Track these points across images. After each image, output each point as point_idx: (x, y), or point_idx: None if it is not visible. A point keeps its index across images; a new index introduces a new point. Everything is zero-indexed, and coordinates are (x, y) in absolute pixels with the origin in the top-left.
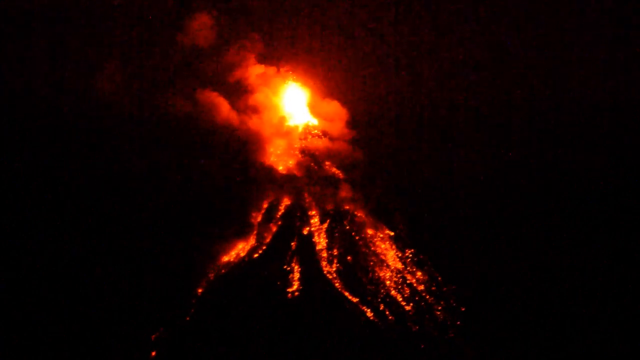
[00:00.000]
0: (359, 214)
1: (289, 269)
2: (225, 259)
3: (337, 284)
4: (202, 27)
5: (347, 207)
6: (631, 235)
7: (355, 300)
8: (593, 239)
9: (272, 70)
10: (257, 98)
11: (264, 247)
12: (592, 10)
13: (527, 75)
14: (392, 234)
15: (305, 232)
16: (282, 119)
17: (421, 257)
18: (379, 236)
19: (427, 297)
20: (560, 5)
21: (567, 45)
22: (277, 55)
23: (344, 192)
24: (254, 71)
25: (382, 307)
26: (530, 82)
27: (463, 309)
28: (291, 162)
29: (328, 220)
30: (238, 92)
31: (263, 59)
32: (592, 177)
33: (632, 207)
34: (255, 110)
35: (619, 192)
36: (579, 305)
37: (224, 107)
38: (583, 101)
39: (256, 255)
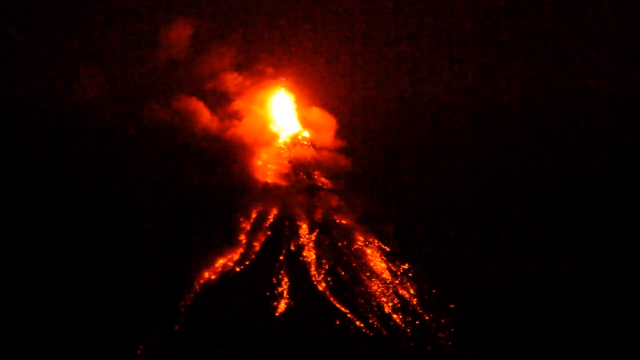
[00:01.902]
0: (348, 224)
1: (275, 281)
2: (208, 273)
3: (327, 294)
4: (181, 34)
5: (336, 217)
6: (631, 235)
7: (345, 311)
8: (593, 239)
9: (257, 78)
10: (240, 106)
11: (253, 257)
12: (592, 9)
13: (524, 77)
14: (384, 246)
15: (293, 242)
16: (269, 129)
17: (411, 267)
18: (369, 247)
19: (419, 309)
20: (560, 4)
21: (567, 45)
22: (262, 62)
23: (333, 201)
24: (238, 79)
25: (372, 320)
26: (526, 84)
27: (450, 319)
28: (279, 172)
29: (317, 230)
30: (220, 101)
31: (247, 67)
32: (592, 177)
33: (632, 207)
34: (239, 118)
35: (619, 192)
36: (579, 306)
37: (204, 116)
38: (583, 101)
39: (241, 268)
